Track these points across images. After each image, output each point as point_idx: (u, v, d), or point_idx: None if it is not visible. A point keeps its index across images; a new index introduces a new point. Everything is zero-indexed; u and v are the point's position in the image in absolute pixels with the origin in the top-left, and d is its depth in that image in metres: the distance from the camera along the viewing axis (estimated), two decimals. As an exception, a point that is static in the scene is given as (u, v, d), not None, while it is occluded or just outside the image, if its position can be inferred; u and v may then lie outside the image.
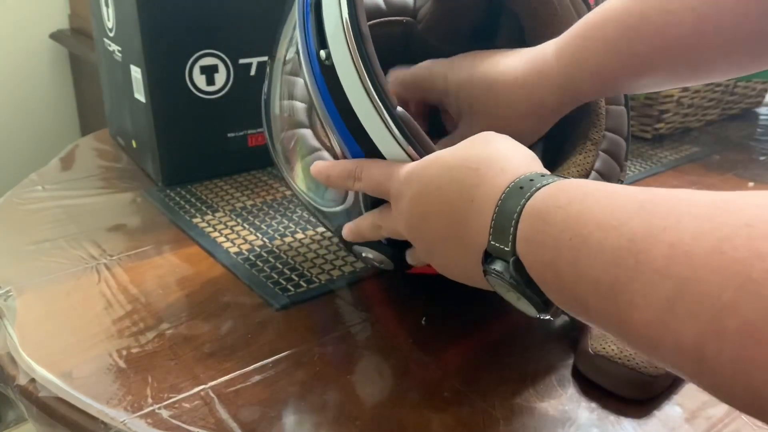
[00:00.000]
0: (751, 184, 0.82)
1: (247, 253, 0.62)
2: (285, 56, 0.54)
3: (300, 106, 0.54)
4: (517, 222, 0.34)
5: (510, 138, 0.41)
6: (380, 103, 0.42)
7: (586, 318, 0.32)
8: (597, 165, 0.50)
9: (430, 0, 0.58)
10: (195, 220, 0.68)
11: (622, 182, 0.53)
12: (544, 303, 0.35)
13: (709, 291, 0.24)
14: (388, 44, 0.54)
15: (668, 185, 0.63)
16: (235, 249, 0.63)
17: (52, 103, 1.89)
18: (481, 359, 0.48)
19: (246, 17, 0.75)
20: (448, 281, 0.43)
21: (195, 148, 0.77)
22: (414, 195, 0.41)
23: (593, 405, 0.44)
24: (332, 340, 0.50)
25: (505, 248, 0.35)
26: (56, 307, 0.54)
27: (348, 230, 0.49)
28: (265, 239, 0.65)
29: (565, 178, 0.35)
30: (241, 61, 0.76)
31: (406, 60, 0.56)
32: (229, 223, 0.68)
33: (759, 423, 0.42)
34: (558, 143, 0.54)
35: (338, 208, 0.50)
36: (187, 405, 0.43)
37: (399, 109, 0.43)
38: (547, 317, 0.36)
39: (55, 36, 1.81)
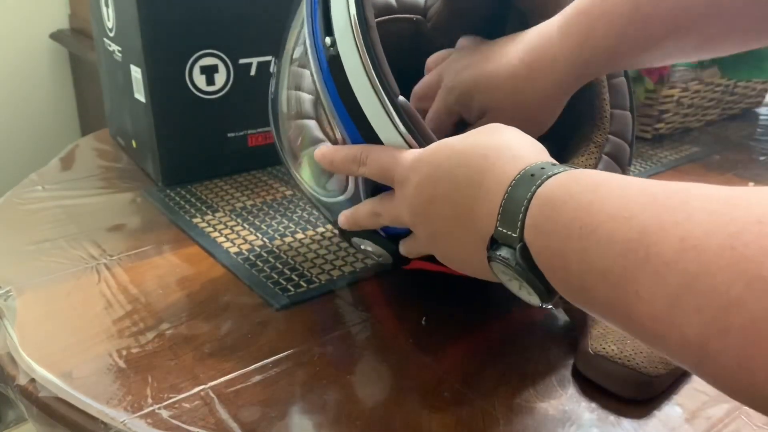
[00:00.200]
0: (751, 184, 0.82)
1: (247, 253, 0.62)
2: (292, 54, 0.54)
3: (307, 97, 0.54)
4: (526, 209, 0.34)
5: (518, 129, 0.41)
6: (382, 91, 0.42)
7: (591, 308, 0.32)
8: (599, 168, 0.50)
9: None
10: (195, 220, 0.68)
11: None
12: (547, 292, 0.35)
13: (716, 286, 0.24)
14: (397, 41, 0.54)
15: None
16: (235, 249, 0.63)
17: (52, 103, 1.89)
18: (481, 359, 0.48)
19: (246, 17, 0.75)
20: (448, 281, 0.43)
21: (195, 148, 0.77)
22: (421, 179, 0.41)
23: (593, 405, 0.44)
24: (332, 340, 0.50)
25: (513, 234, 0.35)
26: (56, 307, 0.54)
27: (344, 217, 0.49)
28: (265, 239, 0.65)
29: (576, 168, 0.35)
30: (241, 61, 0.76)
31: (414, 57, 0.56)
32: (229, 223, 0.68)
33: (759, 423, 0.42)
34: (561, 144, 0.54)
35: (339, 198, 0.50)
36: (187, 405, 0.43)
37: (401, 98, 0.43)
38: (549, 307, 0.36)
39: (55, 36, 1.81)
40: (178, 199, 0.74)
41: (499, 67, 0.50)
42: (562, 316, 0.53)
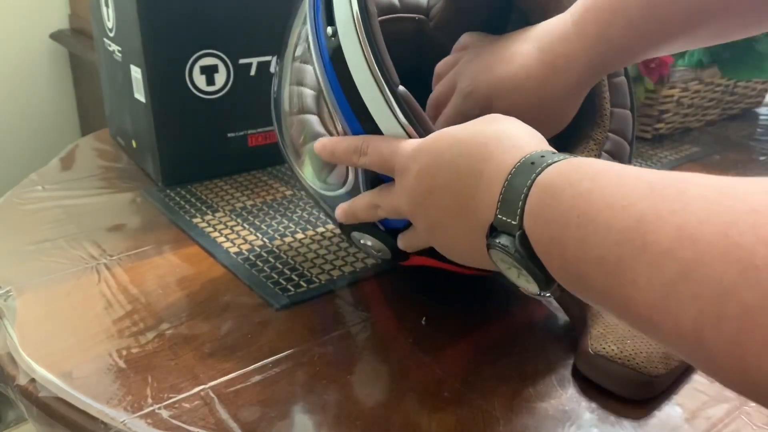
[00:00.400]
0: (751, 184, 0.82)
1: (247, 253, 0.62)
2: (294, 52, 0.54)
3: (309, 92, 0.54)
4: (526, 196, 0.34)
5: (517, 119, 0.41)
6: (382, 80, 0.42)
7: (588, 296, 0.32)
8: None
9: None
10: (195, 220, 0.68)
11: None
12: (546, 280, 0.35)
13: (711, 274, 0.24)
14: (399, 40, 0.54)
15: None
16: (235, 249, 0.63)
17: (52, 103, 1.89)
18: (481, 359, 0.48)
19: (246, 17, 0.75)
20: (448, 280, 0.43)
21: (195, 148, 0.77)
22: (421, 168, 0.41)
23: (593, 405, 0.44)
24: (332, 340, 0.50)
25: (512, 222, 0.35)
26: (56, 307, 0.54)
27: (341, 210, 0.49)
28: (265, 239, 0.65)
29: (576, 156, 0.35)
30: (241, 61, 0.76)
31: (416, 56, 0.56)
32: (229, 223, 0.68)
33: (759, 423, 0.42)
34: (560, 141, 0.54)
35: (339, 191, 0.50)
36: (187, 405, 0.43)
37: (401, 87, 0.43)
38: (548, 295, 0.36)
39: (55, 36, 1.81)
40: (178, 199, 0.74)
41: (517, 69, 0.50)
42: (562, 316, 0.53)
